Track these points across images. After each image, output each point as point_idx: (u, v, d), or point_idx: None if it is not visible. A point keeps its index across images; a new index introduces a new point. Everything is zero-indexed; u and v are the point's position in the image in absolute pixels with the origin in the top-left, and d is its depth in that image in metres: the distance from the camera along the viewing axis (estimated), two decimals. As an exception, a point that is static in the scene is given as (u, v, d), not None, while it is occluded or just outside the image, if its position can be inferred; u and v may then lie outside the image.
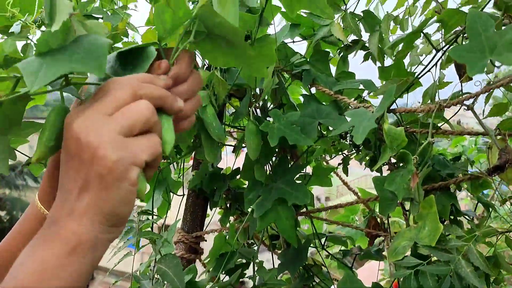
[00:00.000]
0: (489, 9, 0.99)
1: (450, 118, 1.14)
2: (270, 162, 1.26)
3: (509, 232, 1.06)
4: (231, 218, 1.46)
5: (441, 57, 1.04)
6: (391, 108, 1.06)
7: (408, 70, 1.25)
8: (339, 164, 1.42)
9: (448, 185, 1.09)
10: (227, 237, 1.31)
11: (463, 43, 1.03)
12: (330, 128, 1.18)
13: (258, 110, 1.26)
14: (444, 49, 1.05)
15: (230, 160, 1.47)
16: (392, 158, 1.07)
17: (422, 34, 1.03)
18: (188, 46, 0.59)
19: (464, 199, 3.56)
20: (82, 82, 0.56)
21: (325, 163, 1.57)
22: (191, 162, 1.51)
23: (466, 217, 1.16)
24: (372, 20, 1.18)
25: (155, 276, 1.12)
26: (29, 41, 1.04)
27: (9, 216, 13.41)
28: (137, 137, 0.50)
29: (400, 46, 1.13)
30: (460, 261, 0.92)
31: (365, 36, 1.22)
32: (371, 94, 1.22)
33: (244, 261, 1.28)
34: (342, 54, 1.28)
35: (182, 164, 1.41)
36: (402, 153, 0.92)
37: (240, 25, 0.99)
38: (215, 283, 1.21)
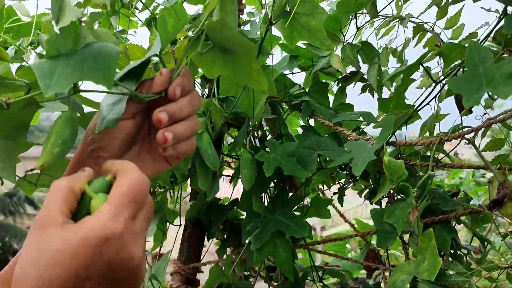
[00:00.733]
0: (489, 42, 1.00)
1: (450, 151, 1.13)
2: (269, 193, 1.25)
3: (511, 267, 1.05)
4: (228, 249, 1.44)
5: (440, 90, 1.04)
6: (391, 140, 1.05)
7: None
8: (334, 193, 1.40)
9: (448, 219, 1.07)
10: (223, 269, 1.29)
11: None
12: (328, 159, 1.18)
13: (257, 140, 1.25)
14: (443, 82, 1.06)
15: (227, 190, 1.46)
16: (390, 190, 1.06)
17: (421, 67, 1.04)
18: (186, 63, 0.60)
19: (461, 231, 3.54)
20: (90, 90, 0.56)
21: (321, 194, 1.56)
22: (188, 190, 1.50)
23: (466, 251, 1.15)
24: (370, 51, 1.18)
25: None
26: (23, 63, 1.04)
27: (1, 243, 13.26)
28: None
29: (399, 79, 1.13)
30: (461, 298, 0.90)
31: (363, 67, 1.23)
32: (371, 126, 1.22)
33: (240, 293, 1.25)
34: (340, 85, 1.28)
35: (180, 192, 1.39)
36: (402, 185, 0.91)
37: (229, 68, 1.00)
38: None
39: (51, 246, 0.44)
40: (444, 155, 1.15)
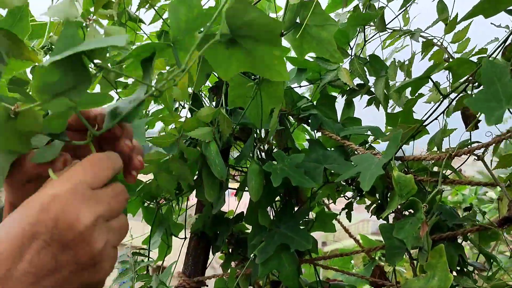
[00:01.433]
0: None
1: (458, 167, 1.12)
2: (274, 207, 1.23)
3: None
4: (232, 263, 1.42)
5: (449, 105, 1.04)
6: (399, 156, 1.05)
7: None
8: (342, 209, 1.39)
9: (455, 236, 1.06)
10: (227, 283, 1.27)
11: (473, 92, 1.03)
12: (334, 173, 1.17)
13: (263, 154, 1.25)
14: (452, 96, 1.05)
15: (232, 203, 1.45)
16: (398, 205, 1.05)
17: (430, 81, 1.03)
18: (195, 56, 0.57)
19: (464, 248, 3.51)
20: None
21: (326, 208, 1.55)
22: (192, 201, 1.49)
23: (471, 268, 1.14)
24: (378, 64, 1.18)
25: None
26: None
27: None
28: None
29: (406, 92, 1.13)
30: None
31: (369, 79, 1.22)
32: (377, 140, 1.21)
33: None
34: (346, 98, 1.28)
35: (186, 205, 1.38)
36: (412, 200, 0.90)
37: (248, 61, 0.99)
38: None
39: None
40: (451, 171, 1.14)
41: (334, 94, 1.28)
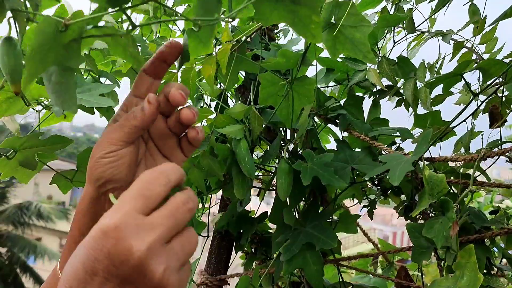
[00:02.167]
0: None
1: (487, 168, 1.12)
2: (298, 208, 1.24)
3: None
4: (254, 263, 1.43)
5: (479, 105, 1.04)
6: (429, 157, 1.05)
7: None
8: (364, 206, 1.39)
9: (483, 238, 1.06)
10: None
11: (503, 94, 1.03)
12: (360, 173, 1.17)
13: (287, 154, 1.25)
14: (481, 99, 1.05)
15: (254, 203, 1.45)
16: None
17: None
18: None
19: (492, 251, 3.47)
20: None
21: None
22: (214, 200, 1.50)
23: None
24: (407, 66, 1.18)
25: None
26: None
27: (9, 253, 13.29)
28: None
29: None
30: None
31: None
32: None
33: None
34: (374, 99, 1.28)
35: (209, 203, 1.39)
36: (443, 200, 0.90)
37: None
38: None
39: None
40: (480, 172, 1.14)
41: (363, 95, 1.28)
